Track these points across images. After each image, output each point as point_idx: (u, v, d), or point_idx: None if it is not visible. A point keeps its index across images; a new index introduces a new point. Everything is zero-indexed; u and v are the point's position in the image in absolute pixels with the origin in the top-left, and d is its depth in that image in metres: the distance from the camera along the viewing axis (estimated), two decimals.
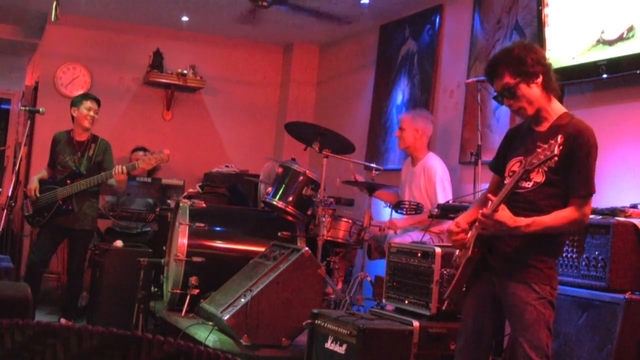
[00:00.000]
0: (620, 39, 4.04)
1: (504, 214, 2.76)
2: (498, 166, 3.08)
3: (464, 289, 3.01)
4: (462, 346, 3.04)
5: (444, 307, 3.32)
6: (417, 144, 5.28)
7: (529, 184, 2.86)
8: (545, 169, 2.78)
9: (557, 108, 2.93)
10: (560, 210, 2.80)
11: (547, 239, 2.85)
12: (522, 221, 2.77)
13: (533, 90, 2.87)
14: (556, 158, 2.63)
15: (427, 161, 5.23)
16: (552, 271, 2.87)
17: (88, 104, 5.64)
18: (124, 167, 5.33)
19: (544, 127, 2.91)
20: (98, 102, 5.71)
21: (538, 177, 2.84)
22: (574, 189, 2.80)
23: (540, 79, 2.87)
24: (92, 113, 5.63)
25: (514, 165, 2.92)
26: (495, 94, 2.98)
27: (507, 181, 2.89)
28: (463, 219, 3.00)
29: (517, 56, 2.88)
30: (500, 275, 2.89)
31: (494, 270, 2.90)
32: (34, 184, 5.65)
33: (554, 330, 2.90)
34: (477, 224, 2.86)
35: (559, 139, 2.65)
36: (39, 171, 5.86)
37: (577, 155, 2.79)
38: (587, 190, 2.80)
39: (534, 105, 2.87)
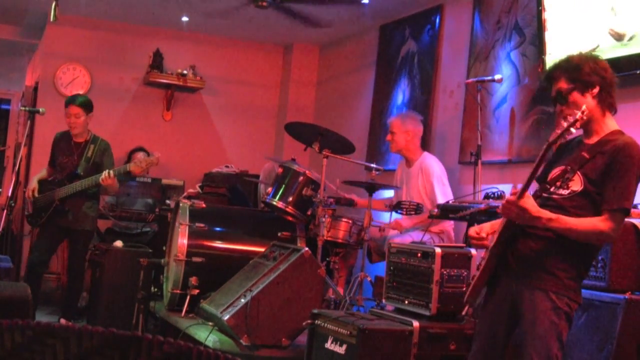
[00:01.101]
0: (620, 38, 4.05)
1: (528, 202, 2.71)
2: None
3: (483, 290, 2.98)
4: (476, 350, 3.02)
5: (463, 312, 3.30)
6: (410, 145, 5.29)
7: (565, 192, 2.81)
8: (583, 178, 2.76)
9: (610, 124, 2.87)
10: (591, 218, 2.75)
11: (572, 248, 2.78)
12: (546, 214, 2.72)
13: (587, 100, 2.81)
14: (578, 125, 2.59)
15: (423, 161, 5.23)
16: (574, 282, 2.79)
17: (67, 111, 5.57)
18: (111, 172, 5.32)
19: (593, 140, 2.85)
20: (80, 104, 5.55)
21: (576, 186, 2.79)
22: (607, 202, 2.73)
23: (596, 90, 2.82)
24: (72, 119, 5.54)
25: (555, 172, 2.84)
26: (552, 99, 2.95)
27: (551, 189, 2.85)
28: (487, 228, 2.96)
29: (575, 63, 2.86)
30: (518, 280, 2.85)
31: (513, 274, 2.87)
32: (32, 184, 5.66)
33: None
34: (501, 210, 2.81)
35: (584, 107, 2.62)
36: (39, 171, 5.87)
37: (617, 167, 2.73)
38: (619, 204, 2.71)
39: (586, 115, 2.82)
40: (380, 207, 5.44)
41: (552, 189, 2.82)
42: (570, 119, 2.63)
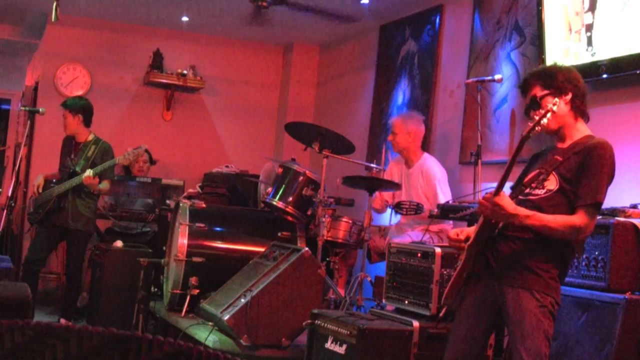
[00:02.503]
0: None
1: (504, 199, 2.74)
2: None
3: (460, 291, 2.99)
4: (452, 353, 3.01)
5: (441, 314, 3.31)
6: (411, 146, 5.28)
7: (541, 191, 2.85)
8: (558, 177, 2.82)
9: (582, 129, 2.94)
10: (565, 215, 2.80)
11: (552, 247, 2.82)
12: (522, 211, 2.76)
13: (560, 106, 2.86)
14: (549, 116, 2.65)
15: (423, 163, 5.22)
16: (555, 282, 2.83)
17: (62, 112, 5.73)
18: (92, 171, 5.34)
19: (566, 144, 2.92)
20: (66, 106, 5.70)
21: (551, 185, 2.84)
22: (581, 197, 2.79)
23: (569, 97, 2.89)
24: (62, 119, 5.71)
25: (530, 175, 2.90)
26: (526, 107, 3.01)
27: (526, 190, 2.89)
28: (467, 231, 2.98)
29: (549, 71, 2.97)
30: (500, 280, 2.87)
31: (495, 274, 2.88)
32: (38, 180, 5.71)
33: (553, 331, 2.89)
34: (478, 208, 2.84)
35: (555, 99, 2.71)
36: (41, 171, 5.91)
37: (590, 165, 2.80)
38: (592, 199, 2.77)
39: (559, 121, 2.88)
40: (379, 205, 5.39)
41: (527, 190, 2.87)
42: (539, 112, 2.70)
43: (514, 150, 2.74)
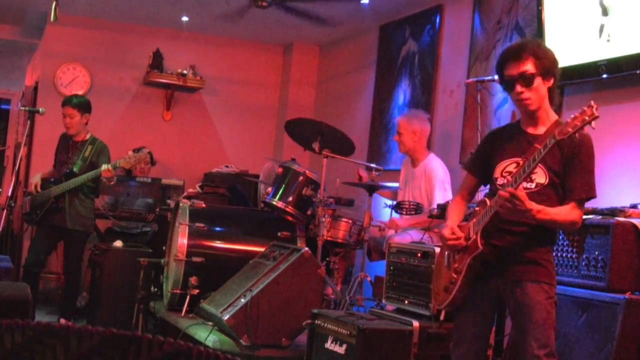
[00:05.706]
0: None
1: (522, 193, 2.71)
2: (476, 167, 3.06)
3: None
4: (463, 352, 2.99)
5: (442, 317, 3.29)
6: (417, 145, 5.26)
7: (531, 185, 2.84)
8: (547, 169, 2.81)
9: (552, 115, 2.94)
10: (563, 207, 2.81)
11: (547, 238, 2.87)
12: (535, 205, 2.73)
13: (545, 89, 2.88)
14: (594, 123, 2.55)
15: (428, 163, 5.21)
16: (555, 272, 2.90)
17: (63, 111, 5.63)
18: (110, 165, 5.35)
19: (539, 130, 2.89)
20: (75, 105, 5.60)
21: (541, 178, 2.83)
22: (576, 192, 2.81)
23: (551, 82, 2.88)
24: (67, 119, 5.60)
25: (509, 165, 2.88)
26: (503, 79, 2.95)
27: (500, 181, 2.87)
28: (454, 223, 2.97)
29: (544, 50, 2.92)
30: (503, 274, 2.86)
31: (495, 268, 2.88)
32: (36, 179, 5.70)
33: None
34: (496, 201, 2.77)
35: (594, 104, 2.57)
36: (40, 171, 5.89)
37: (580, 159, 2.81)
38: (588, 193, 2.82)
39: (540, 102, 2.87)
40: (386, 195, 5.41)
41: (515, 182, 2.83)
42: (583, 118, 2.57)
43: (545, 151, 2.66)
